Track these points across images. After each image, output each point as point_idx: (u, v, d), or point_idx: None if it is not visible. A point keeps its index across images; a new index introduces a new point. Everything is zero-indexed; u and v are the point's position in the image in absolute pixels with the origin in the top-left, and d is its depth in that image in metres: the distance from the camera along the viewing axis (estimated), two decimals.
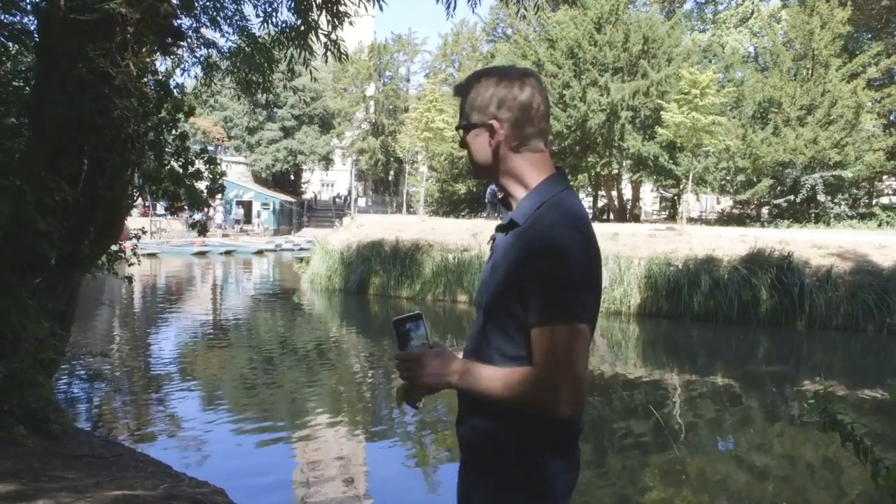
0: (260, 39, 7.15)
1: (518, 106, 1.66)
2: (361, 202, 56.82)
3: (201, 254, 32.09)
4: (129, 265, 6.81)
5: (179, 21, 5.87)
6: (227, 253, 33.61)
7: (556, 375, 1.50)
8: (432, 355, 1.66)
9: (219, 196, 6.91)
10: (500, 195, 1.78)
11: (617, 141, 28.58)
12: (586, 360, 1.54)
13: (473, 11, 13.54)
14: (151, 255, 27.83)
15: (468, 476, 1.75)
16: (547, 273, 1.50)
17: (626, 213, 33.41)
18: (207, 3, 6.52)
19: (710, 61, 30.63)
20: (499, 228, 1.73)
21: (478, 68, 1.96)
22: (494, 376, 1.59)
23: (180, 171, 6.07)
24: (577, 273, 1.51)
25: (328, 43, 6.90)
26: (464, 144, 1.78)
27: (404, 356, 1.68)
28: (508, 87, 1.67)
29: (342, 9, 6.66)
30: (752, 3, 38.37)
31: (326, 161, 56.39)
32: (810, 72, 27.15)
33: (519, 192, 1.69)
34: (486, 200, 24.44)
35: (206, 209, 7.19)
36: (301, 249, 31.42)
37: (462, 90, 1.75)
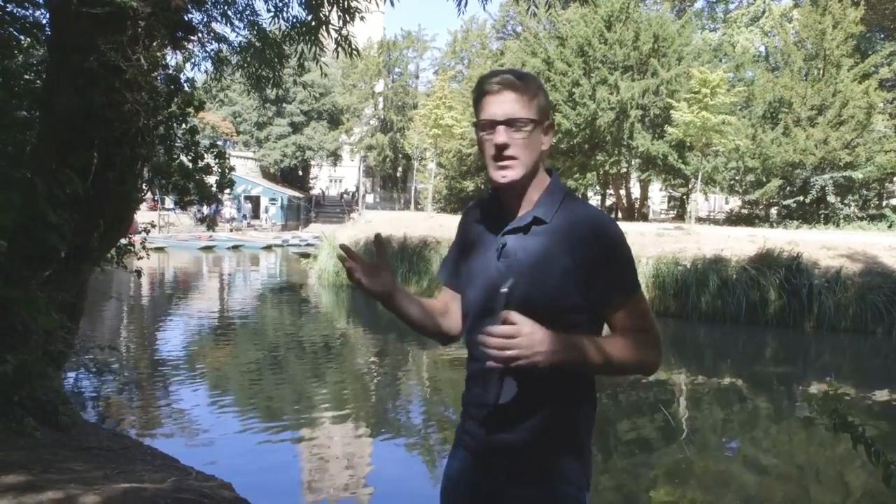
0: (270, 35, 7.17)
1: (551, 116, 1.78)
2: (369, 198, 56.86)
3: (208, 248, 32.15)
4: (138, 259, 6.83)
5: (190, 15, 5.89)
6: (235, 248, 33.66)
7: (658, 333, 1.69)
8: (537, 327, 1.51)
9: (227, 191, 6.93)
10: (492, 200, 1.80)
11: (626, 139, 28.49)
12: None
13: (484, 8, 13.58)
14: (159, 250, 27.90)
15: (497, 487, 1.72)
16: (617, 253, 1.65)
17: (635, 211, 33.33)
18: None
19: (721, 60, 30.48)
20: (511, 231, 1.70)
21: (517, 69, 1.86)
22: (612, 343, 1.63)
23: (190, 165, 6.09)
24: (629, 249, 1.68)
25: (339, 39, 6.91)
26: (513, 137, 1.66)
27: (508, 330, 1.49)
28: (548, 98, 1.77)
29: (353, 4, 6.66)
30: (764, 2, 38.19)
31: (335, 157, 56.40)
32: (822, 72, 26.99)
33: (532, 196, 1.72)
34: None
35: (214, 204, 7.20)
36: (307, 245, 31.44)
37: (531, 85, 1.69)
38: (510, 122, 1.64)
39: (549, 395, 1.66)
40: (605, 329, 1.72)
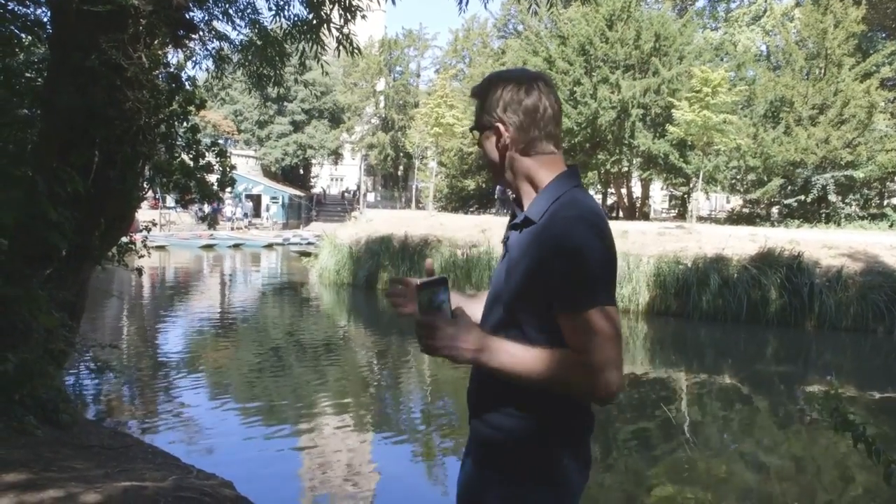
0: (272, 33, 7.16)
1: (523, 110, 1.70)
2: (370, 197, 56.80)
3: (209, 247, 32.15)
4: (139, 257, 6.83)
5: (192, 14, 5.89)
6: (236, 246, 33.65)
7: (600, 356, 1.52)
8: (446, 323, 1.56)
9: (229, 189, 6.93)
10: (512, 196, 1.79)
11: (627, 138, 28.48)
12: (620, 342, 1.58)
13: (486, 7, 13.54)
14: (160, 248, 27.91)
15: (480, 474, 1.75)
16: (570, 264, 1.54)
17: (636, 210, 33.32)
18: None
19: (722, 59, 30.46)
20: (512, 227, 1.75)
21: (494, 70, 1.88)
22: (523, 354, 1.57)
23: (191, 163, 6.08)
24: (596, 261, 1.56)
25: (340, 37, 6.90)
26: (479, 145, 1.79)
27: (417, 321, 1.58)
28: (515, 91, 1.71)
29: (355, 3, 6.65)
30: (765, 1, 38.15)
31: (336, 156, 56.39)
32: (823, 71, 26.97)
33: (530, 192, 1.72)
34: (496, 197, 24.42)
35: (216, 202, 7.20)
36: (309, 244, 31.44)
37: (477, 92, 1.78)
38: (474, 129, 1.77)
39: (514, 392, 1.64)
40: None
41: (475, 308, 1.81)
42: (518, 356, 1.56)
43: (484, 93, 1.75)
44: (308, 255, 27.92)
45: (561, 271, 1.55)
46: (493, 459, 1.71)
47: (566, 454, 1.66)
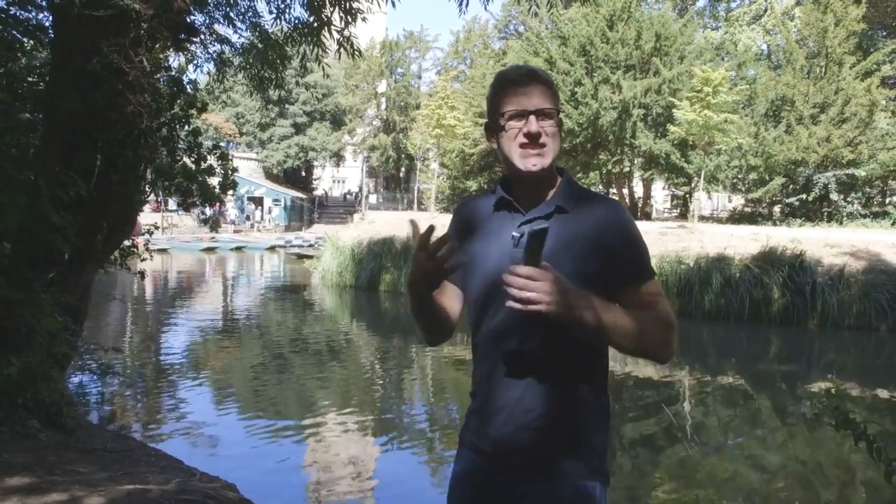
0: (273, 36, 7.17)
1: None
2: (372, 199, 56.77)
3: (210, 249, 32.16)
4: (142, 260, 6.85)
5: (193, 17, 5.90)
6: (238, 249, 33.67)
7: (670, 316, 1.69)
8: (560, 277, 1.51)
9: (231, 192, 6.94)
10: (502, 193, 1.77)
11: (629, 139, 28.45)
12: None
13: (486, 8, 13.51)
14: (162, 251, 27.96)
15: (510, 487, 1.69)
16: (636, 239, 1.71)
17: (638, 210, 33.29)
18: (220, 0, 6.55)
19: (723, 59, 30.44)
20: (528, 222, 1.69)
21: (535, 65, 1.86)
22: (625, 314, 1.62)
23: (193, 166, 6.10)
24: (643, 240, 1.75)
25: (341, 39, 6.91)
26: (547, 133, 1.69)
27: (531, 272, 1.47)
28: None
29: (355, 5, 6.66)
30: (766, 0, 38.11)
31: (337, 157, 56.46)
32: (824, 69, 26.93)
33: (547, 187, 1.75)
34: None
35: (218, 205, 7.21)
36: (310, 246, 31.45)
37: (547, 78, 1.76)
38: (540, 112, 1.68)
39: (560, 394, 1.66)
40: None
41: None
42: (617, 312, 1.61)
43: (551, 82, 1.76)
44: (306, 257, 28.01)
45: (631, 245, 1.70)
46: (539, 462, 1.68)
47: (600, 450, 1.79)
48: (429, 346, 1.94)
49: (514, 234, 1.69)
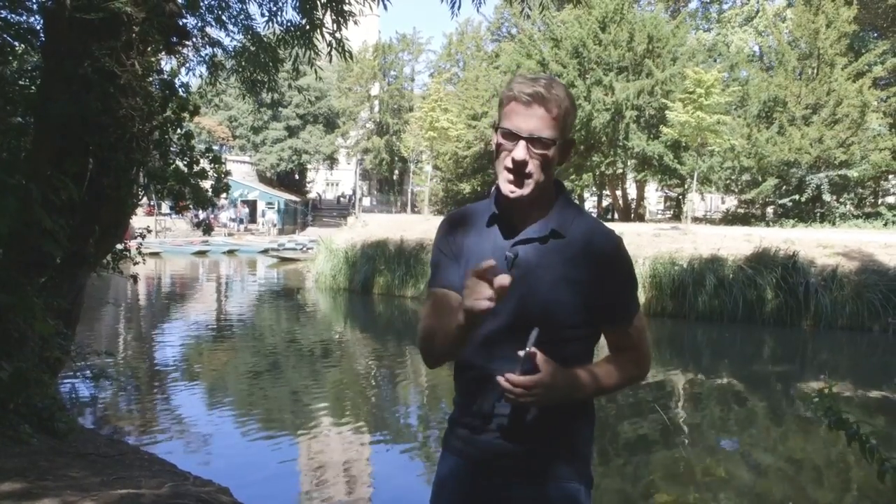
0: (265, 38, 7.16)
1: (572, 120, 1.73)
2: (366, 201, 56.86)
3: (202, 253, 32.05)
4: (134, 264, 6.82)
5: (185, 20, 5.87)
6: (230, 252, 33.56)
7: (646, 347, 1.79)
8: (555, 373, 1.57)
9: (224, 195, 6.92)
10: (494, 210, 1.71)
11: (622, 140, 28.55)
12: None
13: (478, 10, 13.57)
14: (155, 255, 27.87)
15: (498, 491, 1.70)
16: (631, 279, 1.74)
17: (631, 212, 33.38)
18: (213, 3, 6.55)
19: (715, 60, 30.59)
20: (523, 241, 1.66)
21: (547, 76, 1.69)
22: (606, 372, 1.72)
23: (185, 170, 6.08)
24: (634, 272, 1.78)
25: (333, 42, 6.90)
26: (533, 156, 1.60)
27: (529, 382, 1.53)
28: (573, 101, 1.70)
29: (347, 8, 6.65)
30: (758, 2, 38.25)
31: (331, 160, 56.38)
32: (816, 71, 27.06)
33: (542, 204, 1.68)
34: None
35: (211, 208, 7.19)
36: (303, 249, 31.35)
37: (554, 98, 1.61)
38: (532, 140, 1.59)
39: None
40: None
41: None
42: (595, 377, 1.69)
43: (567, 99, 1.63)
44: (289, 260, 27.98)
45: (624, 284, 1.72)
46: (535, 470, 1.69)
47: (586, 453, 1.80)
48: (431, 368, 1.91)
49: (508, 254, 1.65)
